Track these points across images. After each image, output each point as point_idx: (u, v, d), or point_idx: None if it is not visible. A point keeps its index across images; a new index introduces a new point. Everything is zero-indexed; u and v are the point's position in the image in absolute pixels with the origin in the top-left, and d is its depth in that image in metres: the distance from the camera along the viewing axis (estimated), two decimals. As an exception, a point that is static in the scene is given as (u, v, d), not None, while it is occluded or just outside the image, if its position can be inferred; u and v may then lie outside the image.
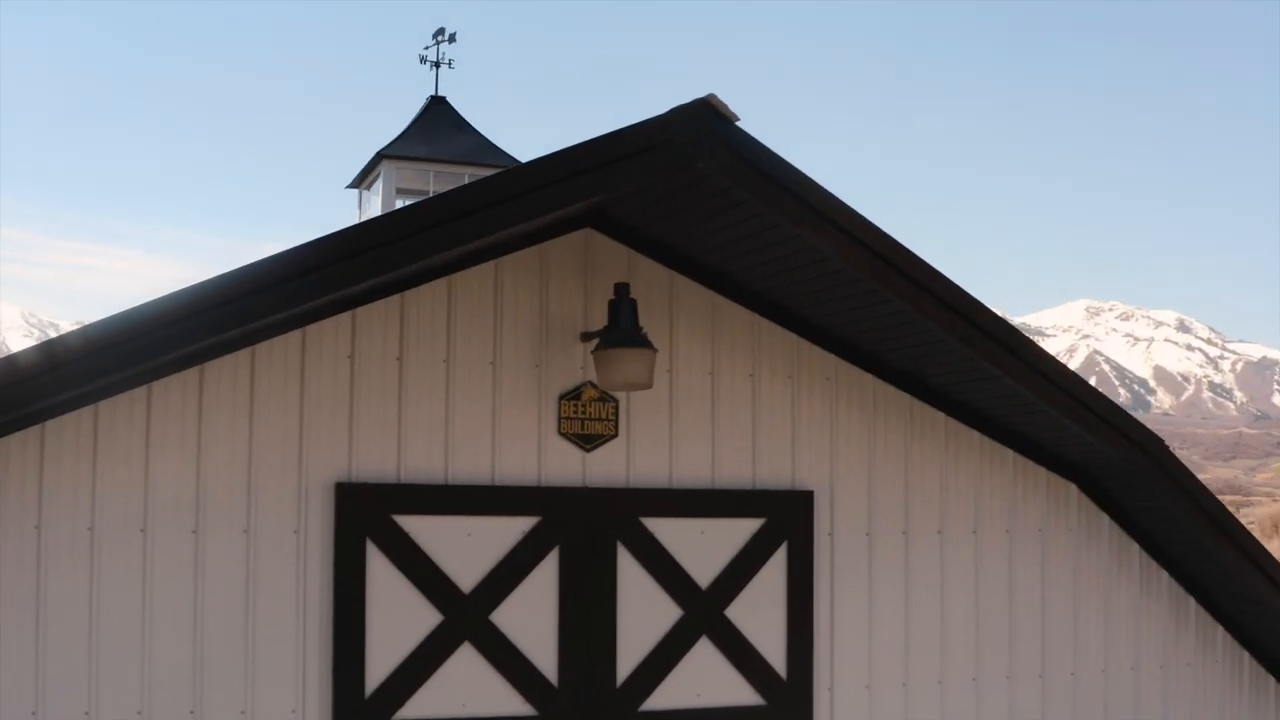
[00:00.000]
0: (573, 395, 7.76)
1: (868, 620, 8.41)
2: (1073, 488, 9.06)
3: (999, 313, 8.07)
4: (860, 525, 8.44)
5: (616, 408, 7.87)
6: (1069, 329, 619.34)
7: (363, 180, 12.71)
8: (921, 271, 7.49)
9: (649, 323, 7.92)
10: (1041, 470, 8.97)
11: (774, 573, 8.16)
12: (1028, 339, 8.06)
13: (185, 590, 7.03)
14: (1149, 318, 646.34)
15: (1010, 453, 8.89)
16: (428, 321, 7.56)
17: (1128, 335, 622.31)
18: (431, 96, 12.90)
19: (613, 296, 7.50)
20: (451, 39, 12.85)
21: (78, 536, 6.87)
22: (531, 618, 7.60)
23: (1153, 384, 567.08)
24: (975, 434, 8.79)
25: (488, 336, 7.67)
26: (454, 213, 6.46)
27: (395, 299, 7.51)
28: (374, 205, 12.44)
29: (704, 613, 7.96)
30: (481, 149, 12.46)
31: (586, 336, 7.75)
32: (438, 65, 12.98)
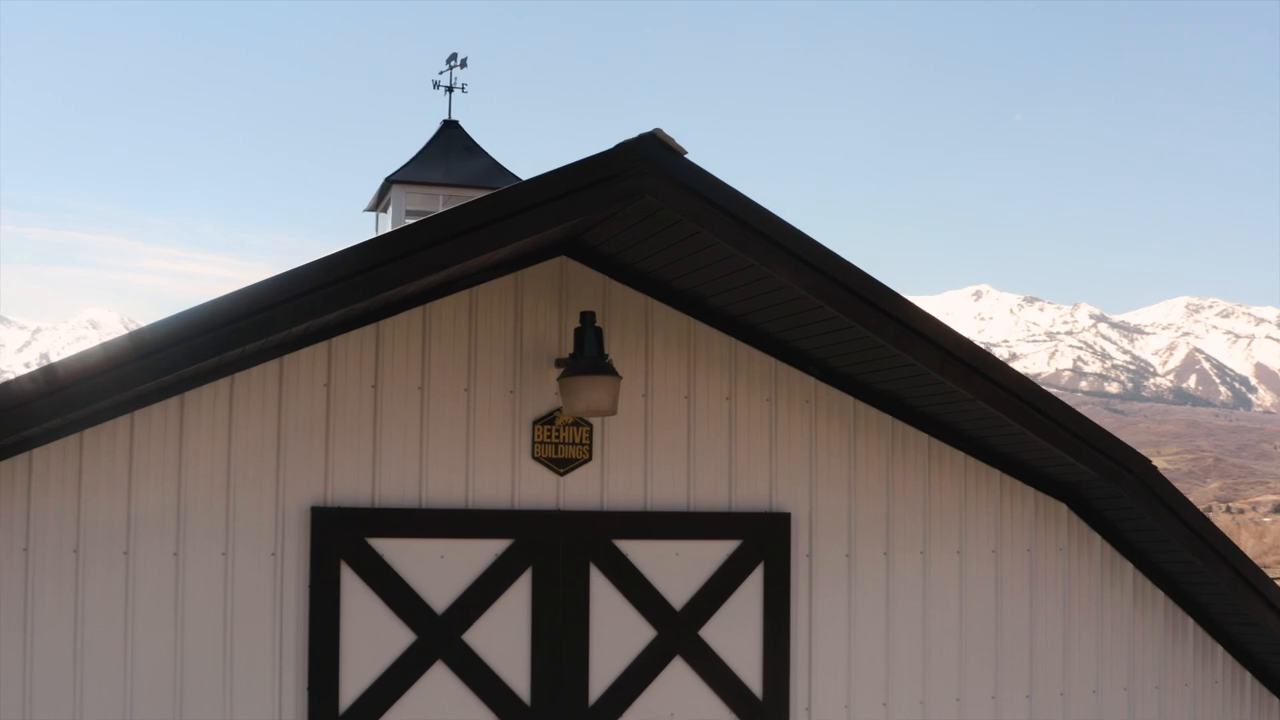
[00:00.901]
0: (546, 420, 7.96)
1: (848, 640, 8.50)
2: (1063, 507, 9.06)
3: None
4: (840, 546, 8.53)
5: (590, 432, 8.05)
6: (1169, 326, 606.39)
7: (377, 204, 13.05)
8: (882, 297, 7.57)
9: (625, 348, 8.10)
10: (1030, 490, 8.99)
11: (750, 594, 8.29)
12: (999, 361, 8.09)
13: (166, 610, 7.35)
14: (1250, 314, 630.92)
15: (997, 473, 8.91)
16: (402, 350, 7.80)
17: (1228, 333, 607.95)
18: (445, 120, 13.20)
19: (578, 324, 7.68)
20: (463, 64, 13.13)
21: (64, 558, 7.23)
22: (504, 638, 7.82)
23: (1254, 381, 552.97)
24: (960, 454, 8.82)
25: (462, 364, 7.90)
26: (403, 250, 6.68)
27: (371, 329, 7.77)
28: (387, 229, 12.76)
29: (677, 633, 8.11)
30: (490, 171, 12.73)
31: (560, 363, 7.94)
32: (450, 90, 13.29)
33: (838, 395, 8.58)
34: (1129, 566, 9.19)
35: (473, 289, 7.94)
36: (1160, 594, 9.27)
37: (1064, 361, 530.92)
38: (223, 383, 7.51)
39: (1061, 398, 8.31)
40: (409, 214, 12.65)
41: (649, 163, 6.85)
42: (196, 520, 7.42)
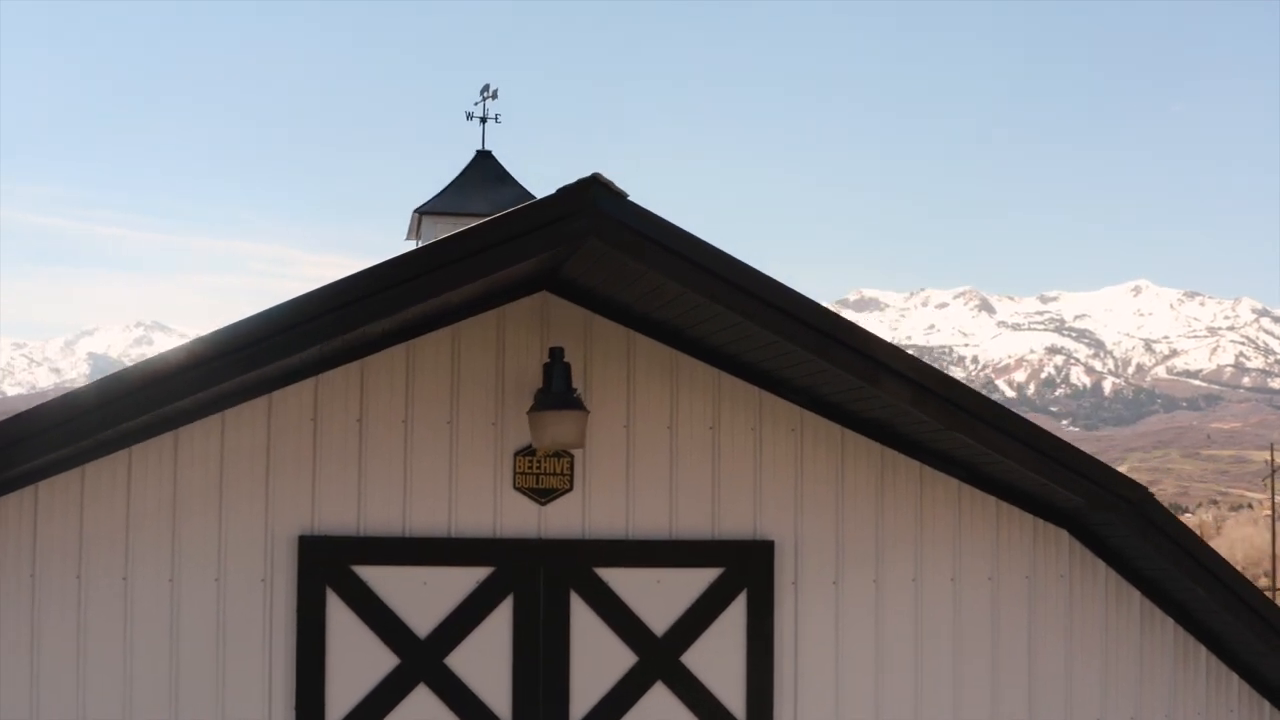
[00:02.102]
0: (527, 451, 8.22)
1: (835, 668, 8.57)
2: (1064, 534, 8.98)
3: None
4: (827, 574, 8.61)
5: (571, 463, 8.29)
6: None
7: (412, 234, 13.50)
8: (846, 332, 7.67)
9: (607, 380, 8.33)
10: (1029, 517, 8.93)
11: (733, 621, 8.42)
12: (976, 393, 8.10)
13: (162, 632, 7.82)
14: None
15: (993, 499, 8.88)
16: (386, 385, 8.15)
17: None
18: (478, 151, 13.59)
19: (547, 360, 7.93)
20: (494, 95, 13.50)
21: (66, 584, 7.75)
22: (485, 662, 8.10)
23: None
24: (954, 481, 8.82)
25: (445, 397, 8.21)
26: (358, 294, 7.01)
27: (356, 365, 8.14)
28: None
29: (659, 659, 8.30)
30: (518, 199, 13.03)
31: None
32: (484, 120, 13.69)
33: (824, 423, 8.66)
34: (1136, 594, 9.06)
35: (456, 325, 8.25)
36: (1170, 622, 9.11)
37: (1225, 357, 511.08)
38: (214, 418, 7.96)
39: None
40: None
41: (591, 206, 7.07)
42: (190, 548, 7.88)
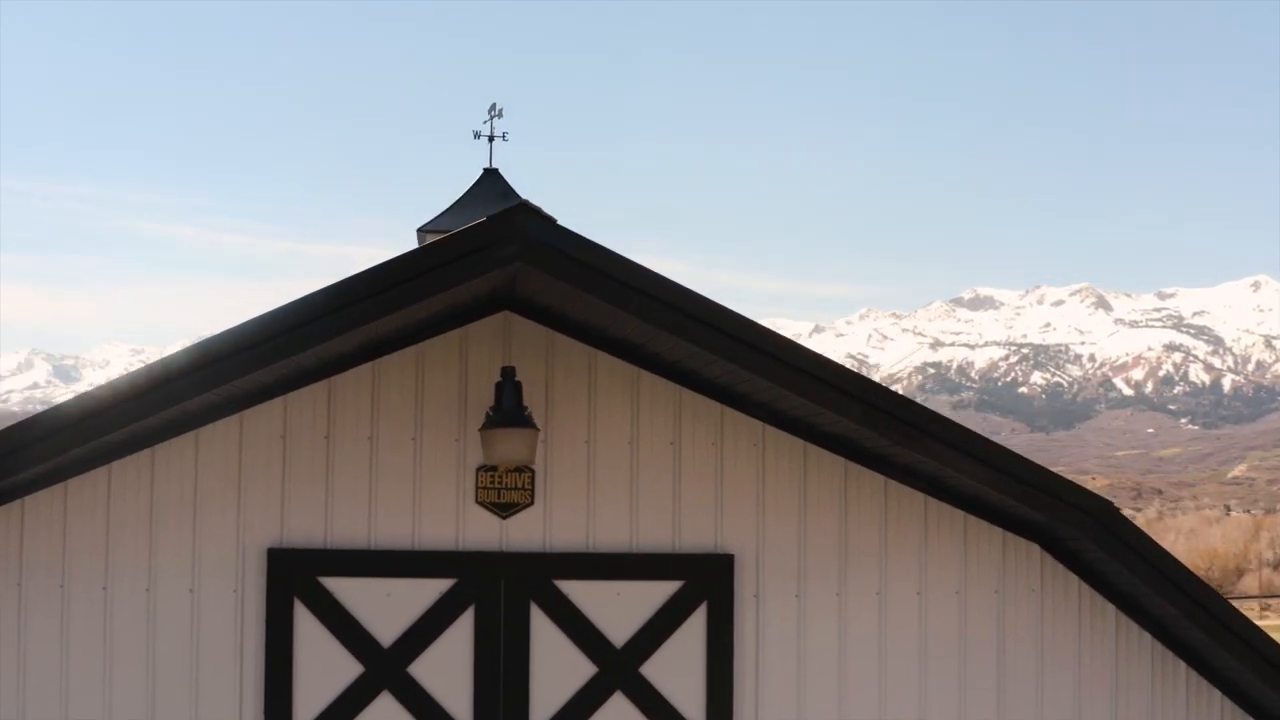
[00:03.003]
0: (489, 467, 8.48)
1: (797, 681, 8.68)
2: (1035, 548, 8.97)
3: None
4: (789, 587, 8.73)
5: (532, 478, 8.53)
6: None
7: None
8: (779, 346, 7.79)
9: (568, 397, 8.56)
10: (997, 531, 8.94)
11: (692, 633, 8.58)
12: (919, 405, 8.15)
13: (139, 639, 8.25)
14: None
15: (960, 513, 8.91)
16: (353, 403, 8.47)
17: None
18: (485, 169, 13.90)
19: (499, 379, 8.18)
20: (500, 114, 13.80)
21: (51, 593, 8.21)
22: (447, 671, 8.38)
23: None
24: (919, 495, 8.87)
25: (409, 415, 8.51)
26: (290, 324, 7.34)
27: (324, 384, 8.48)
28: None
29: (618, 670, 8.49)
30: None
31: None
32: (491, 139, 13.98)
33: (787, 438, 8.78)
34: (1111, 609, 9.01)
35: (421, 344, 8.54)
36: (1147, 637, 9.04)
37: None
38: (188, 436, 8.36)
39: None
40: None
41: (518, 231, 7.30)
42: (166, 560, 8.29)
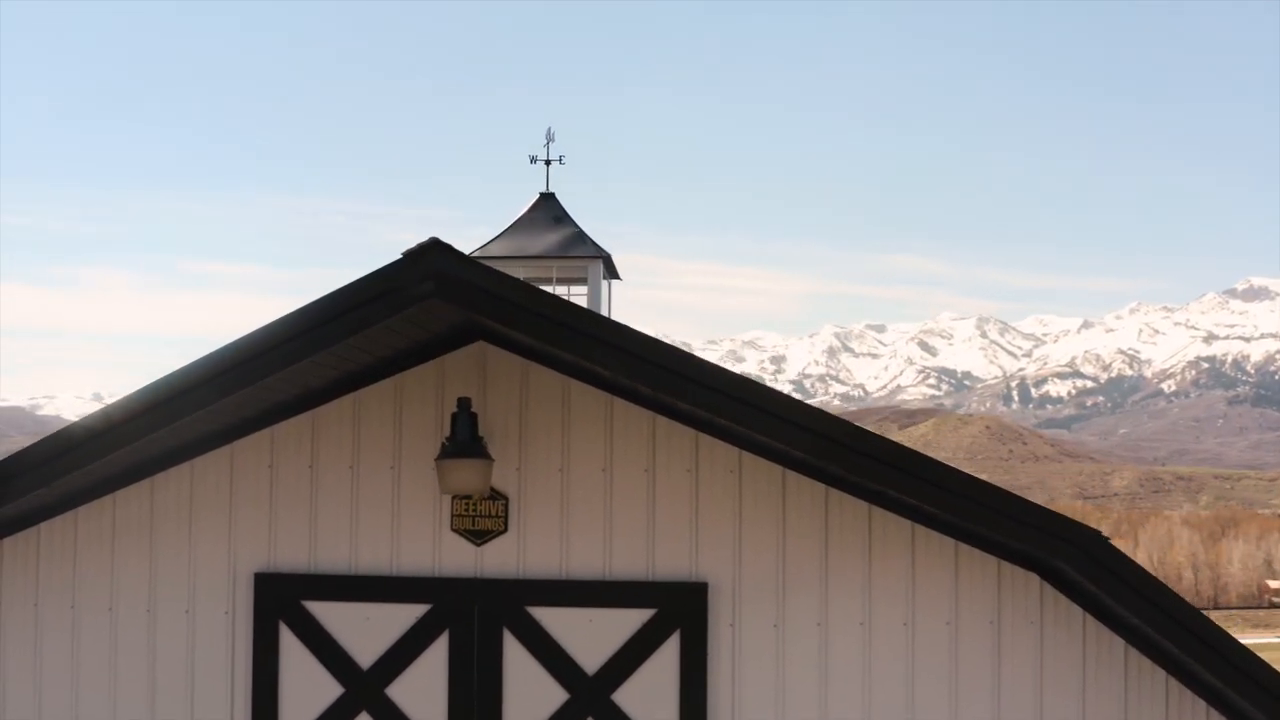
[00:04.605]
0: (464, 494, 8.65)
1: (776, 714, 8.50)
2: (1033, 578, 8.53)
3: None
4: (767, 617, 8.57)
5: (506, 505, 8.66)
6: None
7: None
8: (711, 376, 7.68)
9: (543, 425, 8.65)
10: (992, 560, 8.54)
11: (665, 661, 8.53)
12: (876, 436, 7.88)
13: (142, 657, 8.80)
14: None
15: (951, 541, 8.56)
16: (335, 433, 8.79)
17: None
18: (541, 193, 13.97)
19: (455, 410, 8.33)
20: (553, 138, 13.88)
21: (63, 613, 8.85)
22: (423, 694, 8.60)
23: None
24: (906, 522, 8.56)
25: (389, 444, 8.77)
26: (226, 365, 7.68)
27: (308, 415, 8.82)
28: None
29: (590, 697, 8.52)
30: (568, 242, 13.34)
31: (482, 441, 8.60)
32: (548, 163, 14.05)
33: (765, 464, 8.62)
34: (1120, 643, 8.48)
35: (400, 375, 8.78)
36: (1161, 674, 8.47)
37: None
38: (184, 466, 8.85)
39: None
40: None
41: (432, 269, 7.44)
42: (166, 583, 8.80)
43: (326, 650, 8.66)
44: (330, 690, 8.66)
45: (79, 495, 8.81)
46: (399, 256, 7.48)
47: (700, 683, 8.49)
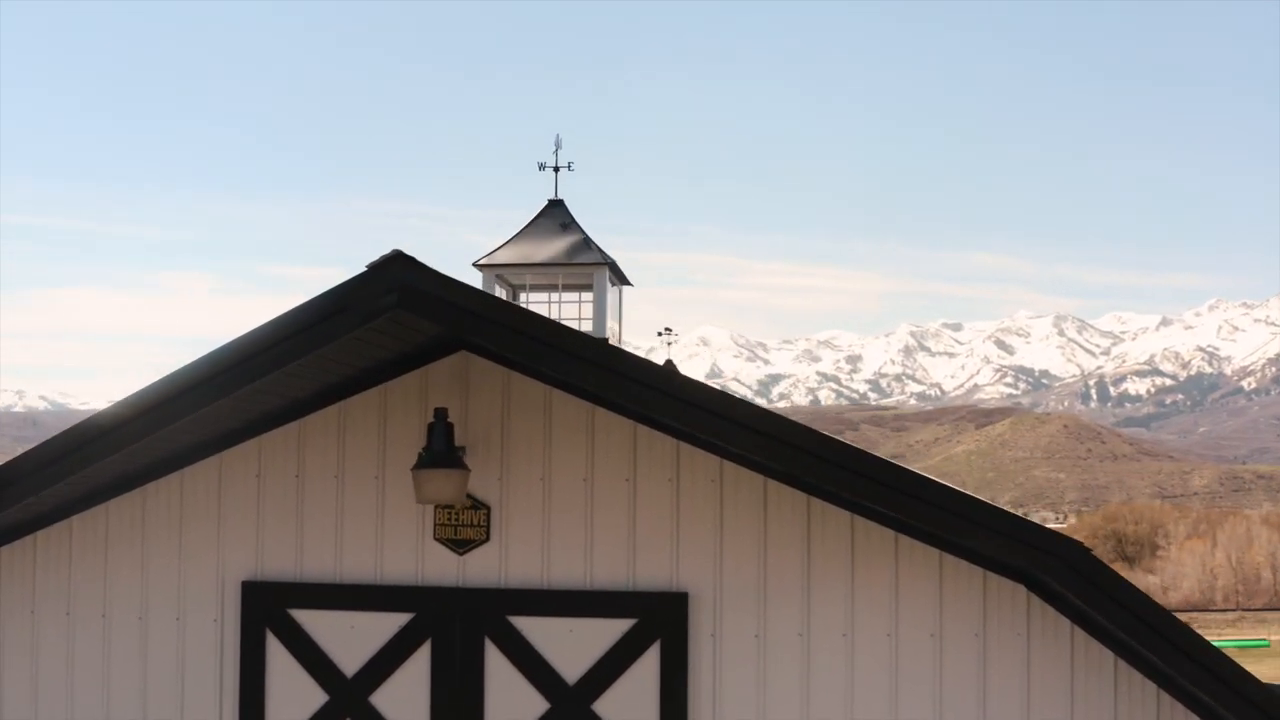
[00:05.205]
0: (447, 504, 8.67)
1: (759, 721, 8.46)
2: (1020, 589, 8.40)
3: None
4: (749, 627, 8.51)
5: (488, 515, 8.68)
6: None
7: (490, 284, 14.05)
8: (687, 390, 7.64)
9: (525, 435, 8.67)
10: (978, 570, 8.43)
11: (646, 671, 8.51)
12: (853, 448, 7.81)
13: (134, 663, 8.92)
14: None
15: (936, 552, 8.45)
16: (321, 443, 8.86)
17: None
18: (550, 200, 13.93)
19: (431, 420, 8.36)
20: (560, 145, 13.86)
21: (58, 619, 9.00)
22: (406, 702, 8.64)
23: None
24: (889, 532, 8.47)
25: (373, 453, 8.82)
26: (199, 378, 7.75)
27: (295, 425, 8.90)
28: None
29: (570, 707, 8.52)
30: (575, 248, 13.29)
31: (460, 451, 8.63)
32: (557, 169, 14.02)
33: (746, 473, 8.56)
34: (1109, 656, 8.33)
35: (385, 385, 8.84)
36: (1152, 687, 8.31)
37: None
38: (174, 476, 8.97)
39: None
40: (497, 289, 13.64)
41: (396, 281, 7.47)
42: (157, 590, 8.93)
43: (312, 658, 8.73)
44: (315, 697, 8.73)
45: (73, 504, 8.96)
46: (364, 269, 7.51)
47: (680, 693, 8.46)
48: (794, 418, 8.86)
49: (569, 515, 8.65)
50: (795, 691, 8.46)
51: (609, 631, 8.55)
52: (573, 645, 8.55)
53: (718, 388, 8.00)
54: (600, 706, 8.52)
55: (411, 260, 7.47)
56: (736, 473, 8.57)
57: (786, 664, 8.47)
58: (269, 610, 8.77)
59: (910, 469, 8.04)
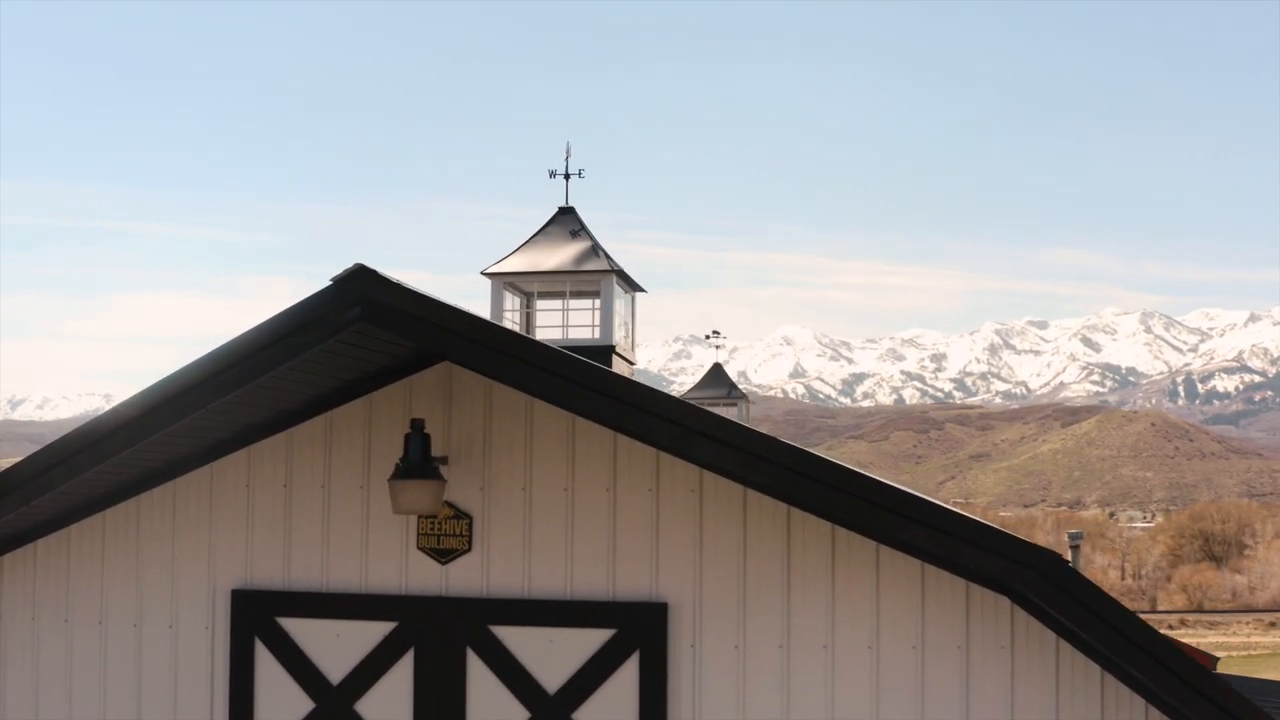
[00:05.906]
0: (416, 514, 8.71)
1: (738, 733, 8.42)
2: (1004, 602, 8.29)
3: None
4: (729, 637, 8.48)
5: (470, 524, 8.72)
6: None
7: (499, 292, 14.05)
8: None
9: (506, 446, 8.71)
10: (960, 582, 8.32)
11: (625, 681, 8.50)
12: (817, 458, 7.75)
13: (129, 669, 9.09)
14: None
15: (918, 563, 8.36)
16: (309, 454, 8.96)
17: None
18: (560, 207, 13.91)
19: (408, 431, 8.41)
20: (569, 153, 13.84)
21: (57, 626, 9.18)
22: (390, 710, 8.71)
23: None
24: (871, 544, 8.40)
25: (359, 464, 8.90)
26: (174, 392, 7.86)
27: (284, 435, 9.00)
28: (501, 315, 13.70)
29: (551, 716, 8.53)
30: (583, 256, 13.26)
31: (441, 461, 8.69)
32: (568, 177, 14.01)
33: (726, 484, 8.52)
34: (1096, 669, 8.19)
35: (371, 395, 8.91)
36: (1140, 701, 8.16)
37: None
38: (168, 486, 9.11)
39: None
40: (507, 296, 13.67)
41: (359, 295, 7.53)
42: (151, 598, 9.08)
43: (299, 665, 8.82)
44: (302, 704, 8.83)
45: (72, 513, 9.13)
46: (325, 286, 7.58)
47: (660, 703, 8.44)
48: (879, 417, 8.80)
49: (550, 525, 8.67)
50: (775, 703, 8.41)
51: (589, 641, 8.55)
52: (553, 655, 8.57)
53: (690, 401, 7.96)
54: (580, 716, 8.52)
55: (374, 274, 7.52)
56: (716, 483, 8.54)
57: (766, 675, 8.42)
58: (258, 619, 8.87)
59: (893, 484, 7.95)
